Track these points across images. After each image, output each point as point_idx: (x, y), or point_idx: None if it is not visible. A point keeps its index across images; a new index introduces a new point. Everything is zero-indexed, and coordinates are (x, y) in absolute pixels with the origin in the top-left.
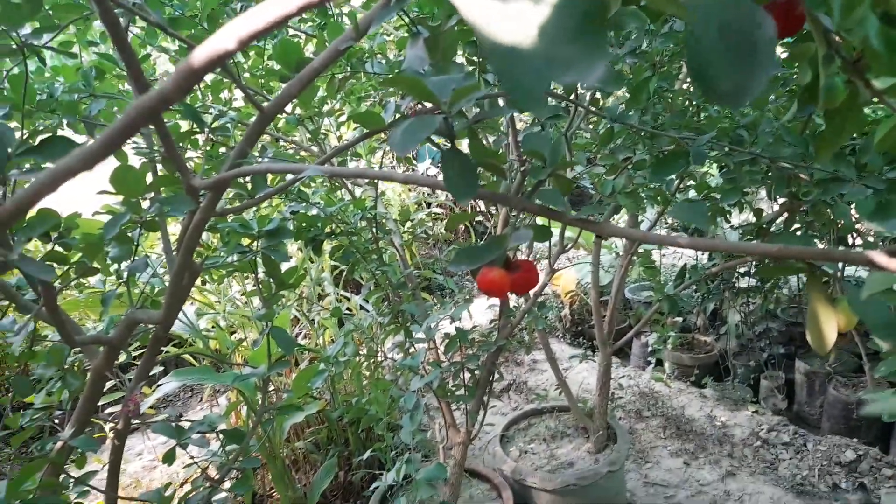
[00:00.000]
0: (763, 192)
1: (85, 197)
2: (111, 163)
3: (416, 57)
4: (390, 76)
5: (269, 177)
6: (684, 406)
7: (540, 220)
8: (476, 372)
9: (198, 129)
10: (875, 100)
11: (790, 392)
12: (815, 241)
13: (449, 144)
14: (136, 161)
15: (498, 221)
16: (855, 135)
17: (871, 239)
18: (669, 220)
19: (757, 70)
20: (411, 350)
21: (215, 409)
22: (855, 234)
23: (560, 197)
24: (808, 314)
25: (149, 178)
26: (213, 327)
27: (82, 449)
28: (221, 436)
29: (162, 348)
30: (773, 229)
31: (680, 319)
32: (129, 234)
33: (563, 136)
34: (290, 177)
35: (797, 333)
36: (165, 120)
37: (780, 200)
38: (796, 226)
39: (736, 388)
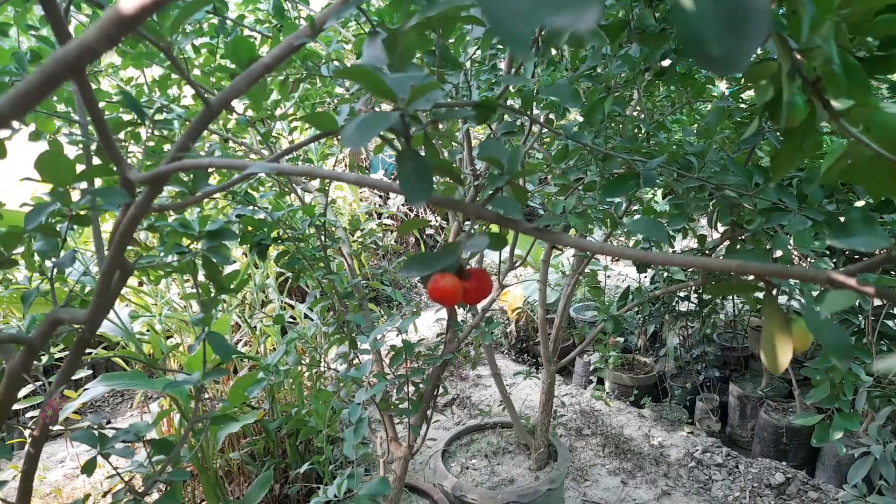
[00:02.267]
0: (703, 220)
1: (11, 190)
2: (41, 148)
3: (373, 56)
4: (345, 69)
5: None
6: (623, 425)
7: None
8: (421, 385)
9: (139, 122)
10: (827, 127)
11: (724, 414)
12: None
13: (405, 144)
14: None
15: (450, 233)
16: (800, 167)
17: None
18: (614, 241)
19: (751, 34)
20: (356, 361)
21: (146, 415)
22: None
23: (516, 205)
24: (763, 333)
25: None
26: (147, 331)
27: None
28: (149, 446)
29: (91, 350)
30: (714, 255)
31: (621, 340)
32: (58, 228)
33: (521, 147)
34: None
35: (732, 357)
36: (106, 112)
37: (721, 228)
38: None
39: (673, 409)
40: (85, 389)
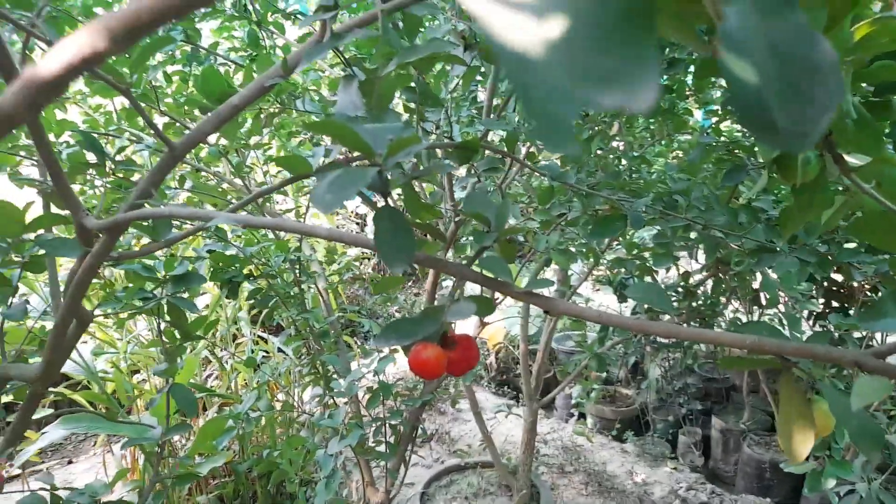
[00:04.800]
0: (683, 252)
1: None
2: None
3: (349, 102)
4: (318, 122)
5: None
6: (606, 461)
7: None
8: (399, 427)
9: (100, 164)
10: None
11: (706, 448)
12: (733, 302)
13: (382, 201)
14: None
15: (427, 281)
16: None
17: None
18: (595, 273)
19: (822, 99)
20: (330, 403)
21: (109, 455)
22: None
23: (505, 266)
24: (779, 416)
25: (38, 211)
26: (112, 367)
27: None
28: None
29: (51, 390)
30: (700, 291)
31: (603, 374)
32: (8, 275)
33: (499, 188)
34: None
35: (713, 389)
36: (68, 144)
37: (702, 258)
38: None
39: (656, 444)
40: (44, 433)
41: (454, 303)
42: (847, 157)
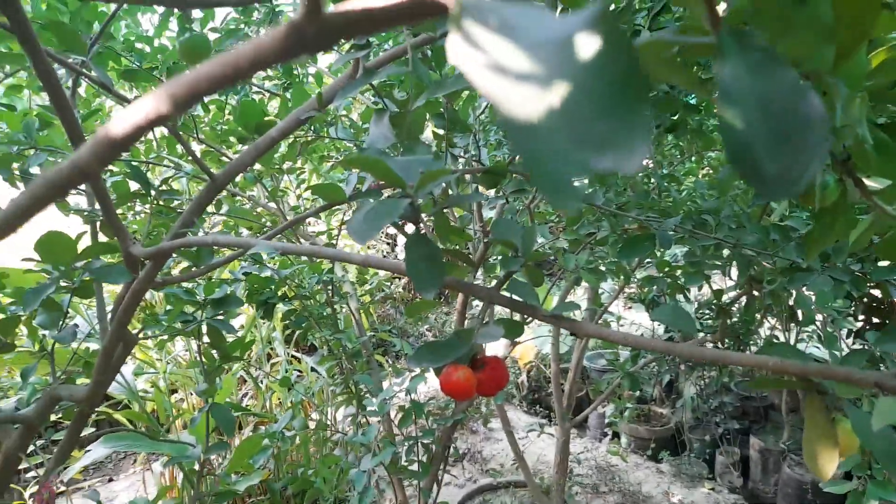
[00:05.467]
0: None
1: (17, 244)
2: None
3: (380, 134)
4: (353, 157)
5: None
6: (641, 482)
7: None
8: (431, 446)
9: (145, 193)
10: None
11: (745, 468)
12: (769, 319)
13: (413, 229)
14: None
15: (457, 303)
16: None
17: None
18: (627, 291)
19: (809, 149)
20: (363, 421)
21: (149, 473)
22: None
23: (533, 291)
24: (805, 435)
25: (86, 240)
26: (151, 387)
27: None
28: None
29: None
30: (734, 309)
31: (637, 392)
32: (59, 300)
33: (528, 208)
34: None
35: (751, 408)
36: (112, 173)
37: (735, 276)
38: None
39: (692, 464)
40: (87, 451)
41: (483, 326)
42: (868, 181)
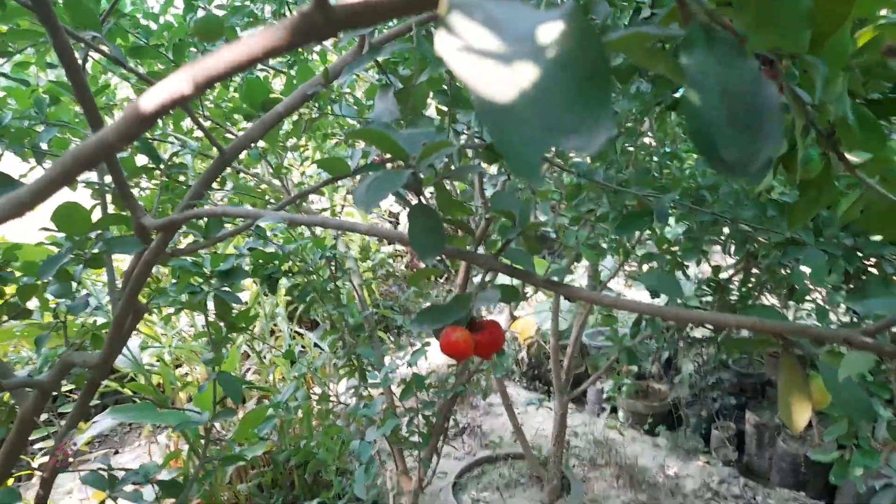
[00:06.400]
0: (717, 247)
1: (30, 220)
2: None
3: (385, 109)
4: (359, 130)
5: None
6: (637, 455)
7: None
8: (431, 418)
9: (154, 167)
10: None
11: (740, 443)
12: (767, 296)
13: (416, 199)
14: (86, 193)
15: (459, 273)
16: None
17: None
18: (627, 268)
19: (763, 137)
20: (366, 394)
21: (154, 445)
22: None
23: (529, 258)
24: (779, 390)
25: (97, 213)
26: (157, 361)
27: (4, 502)
28: (157, 487)
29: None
30: (732, 286)
31: (635, 368)
32: (72, 271)
33: (529, 185)
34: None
35: (748, 384)
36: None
37: (735, 255)
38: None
39: (688, 438)
40: (94, 422)
41: (482, 290)
42: (850, 155)
